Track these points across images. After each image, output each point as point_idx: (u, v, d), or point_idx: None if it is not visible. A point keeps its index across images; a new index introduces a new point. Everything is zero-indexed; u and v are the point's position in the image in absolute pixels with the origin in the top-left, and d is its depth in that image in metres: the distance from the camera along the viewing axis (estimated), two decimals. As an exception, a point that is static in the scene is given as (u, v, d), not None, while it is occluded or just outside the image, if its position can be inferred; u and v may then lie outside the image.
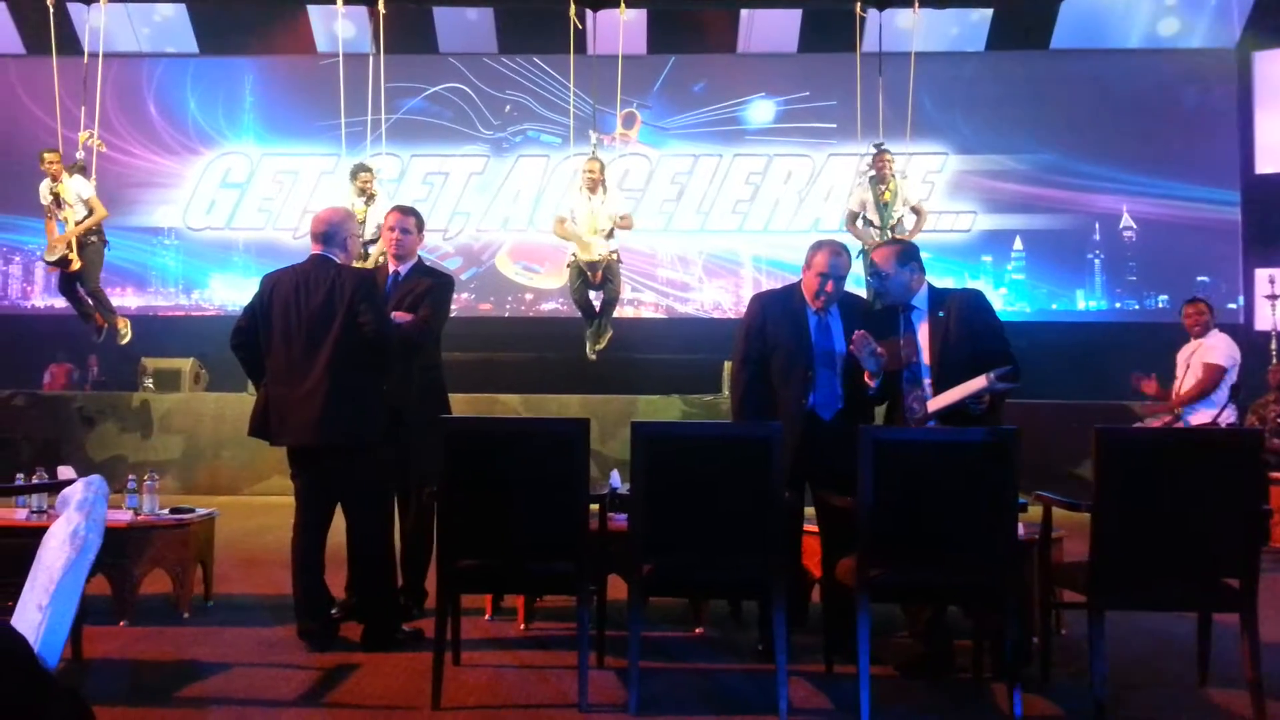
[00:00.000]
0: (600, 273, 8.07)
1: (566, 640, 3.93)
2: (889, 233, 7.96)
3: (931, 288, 3.78)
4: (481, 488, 3.31)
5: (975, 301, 3.81)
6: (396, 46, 9.96)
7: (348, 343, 3.80)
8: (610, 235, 8.08)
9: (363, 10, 10.09)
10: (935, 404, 3.56)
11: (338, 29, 9.77)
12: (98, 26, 9.05)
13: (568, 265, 8.30)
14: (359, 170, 8.24)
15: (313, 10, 11.24)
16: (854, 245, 7.11)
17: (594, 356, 8.62)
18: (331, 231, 3.96)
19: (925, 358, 3.67)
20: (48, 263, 8.38)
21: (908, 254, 3.78)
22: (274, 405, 3.90)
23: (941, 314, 3.69)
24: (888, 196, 8.02)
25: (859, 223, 8.21)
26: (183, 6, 11.37)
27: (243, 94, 11.74)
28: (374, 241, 7.88)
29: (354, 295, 3.81)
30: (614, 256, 8.17)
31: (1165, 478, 3.09)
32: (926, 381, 3.65)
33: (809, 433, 3.71)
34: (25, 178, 9.75)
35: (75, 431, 8.73)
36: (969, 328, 3.66)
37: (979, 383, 3.38)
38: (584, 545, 3.31)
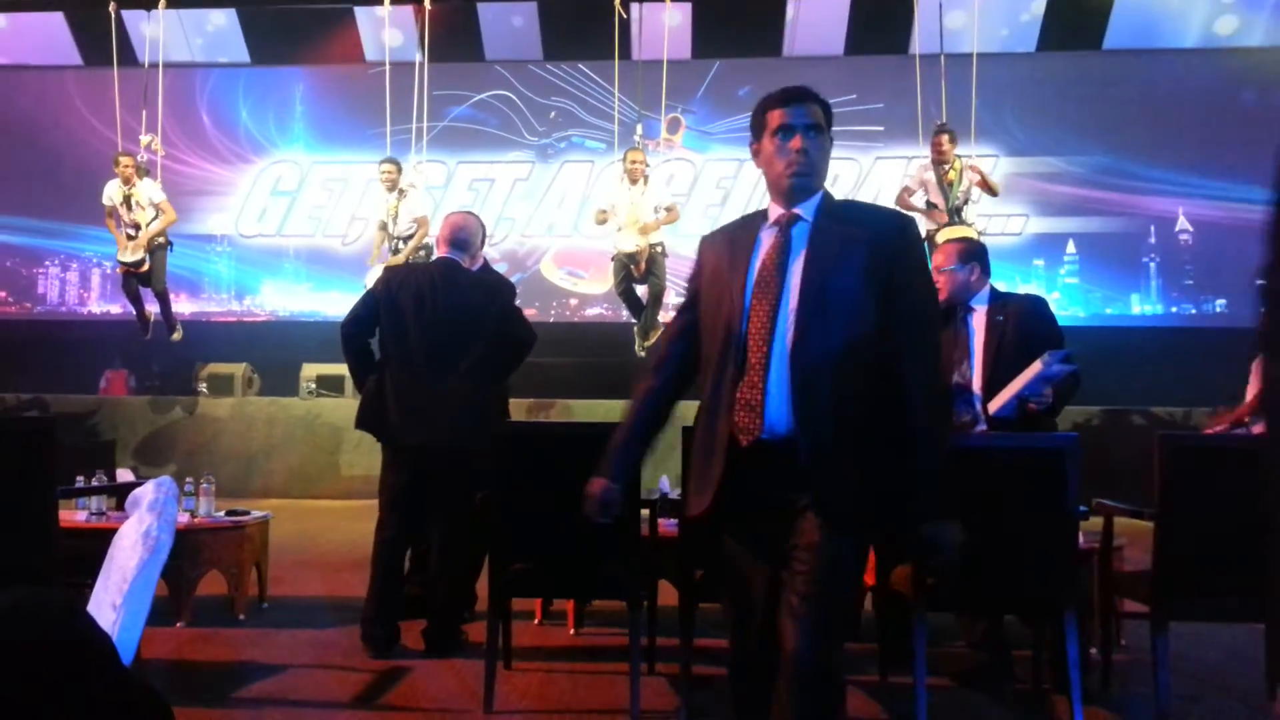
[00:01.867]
0: (642, 265, 7.91)
1: (617, 646, 3.92)
2: (955, 215, 7.84)
3: (994, 290, 3.67)
4: (532, 492, 3.31)
5: (1036, 308, 3.67)
6: (443, 54, 10.04)
7: (492, 347, 3.91)
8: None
9: (410, 19, 10.19)
10: (995, 403, 3.45)
11: (384, 37, 9.88)
12: (155, 36, 9.23)
13: (611, 259, 8.25)
14: (381, 163, 8.24)
15: (361, 19, 11.38)
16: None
17: (643, 353, 8.53)
18: (465, 238, 4.05)
19: (977, 361, 3.55)
20: (122, 263, 8.48)
21: (970, 253, 3.67)
22: (398, 401, 3.88)
23: (1000, 317, 3.56)
24: (951, 176, 7.91)
25: (919, 200, 8.06)
26: (235, 15, 11.58)
27: (293, 103, 11.91)
28: (408, 238, 7.94)
29: (506, 302, 3.97)
30: (657, 249, 8.00)
31: (1229, 485, 3.01)
32: (976, 385, 3.53)
33: None
34: (83, 186, 9.99)
35: (128, 435, 8.90)
36: (1026, 334, 3.51)
37: (1034, 368, 3.27)
38: (635, 550, 3.30)
